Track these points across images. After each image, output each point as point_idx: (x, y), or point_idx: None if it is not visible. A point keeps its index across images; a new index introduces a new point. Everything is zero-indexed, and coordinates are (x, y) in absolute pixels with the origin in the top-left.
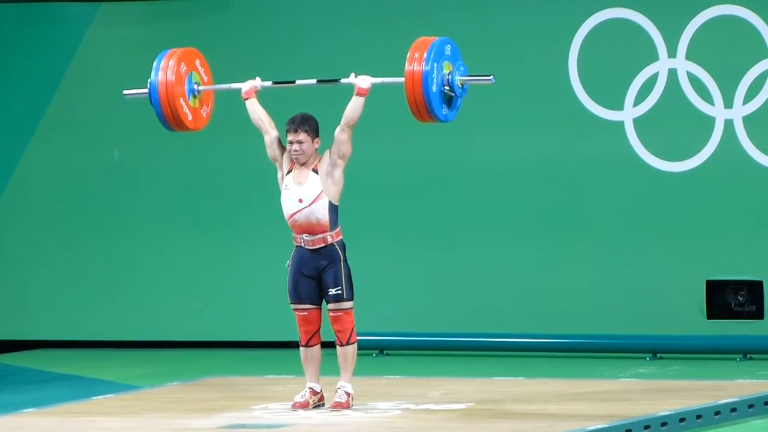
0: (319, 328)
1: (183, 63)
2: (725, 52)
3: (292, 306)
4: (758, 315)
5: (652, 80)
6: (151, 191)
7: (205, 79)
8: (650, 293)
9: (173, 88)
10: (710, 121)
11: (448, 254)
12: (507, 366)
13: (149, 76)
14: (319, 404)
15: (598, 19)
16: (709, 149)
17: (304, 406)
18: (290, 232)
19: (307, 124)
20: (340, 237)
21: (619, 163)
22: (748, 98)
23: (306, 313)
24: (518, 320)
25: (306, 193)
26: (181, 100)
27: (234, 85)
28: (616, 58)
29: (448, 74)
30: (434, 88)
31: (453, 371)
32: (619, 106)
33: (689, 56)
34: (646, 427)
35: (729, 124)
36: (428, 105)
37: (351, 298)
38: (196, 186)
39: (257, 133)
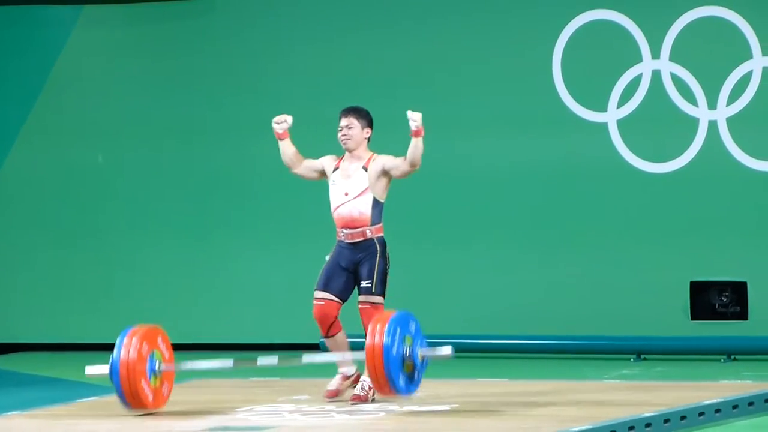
0: (335, 319)
1: (145, 342)
2: (709, 53)
3: (315, 293)
4: (742, 316)
5: (635, 82)
6: (135, 194)
7: (167, 355)
8: (635, 294)
9: (135, 367)
10: (694, 123)
11: (430, 256)
12: (491, 367)
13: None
14: (354, 386)
15: (582, 21)
16: (693, 150)
17: (334, 395)
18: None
19: (358, 111)
20: (381, 234)
21: (603, 165)
22: (731, 99)
23: (323, 303)
24: (502, 322)
25: (352, 187)
26: (143, 382)
27: (195, 364)
28: (600, 60)
29: (409, 348)
30: (395, 362)
31: (437, 373)
32: (603, 107)
33: (673, 57)
34: (631, 428)
35: (713, 125)
36: (389, 378)
37: (381, 294)
38: (180, 189)
39: (244, 137)
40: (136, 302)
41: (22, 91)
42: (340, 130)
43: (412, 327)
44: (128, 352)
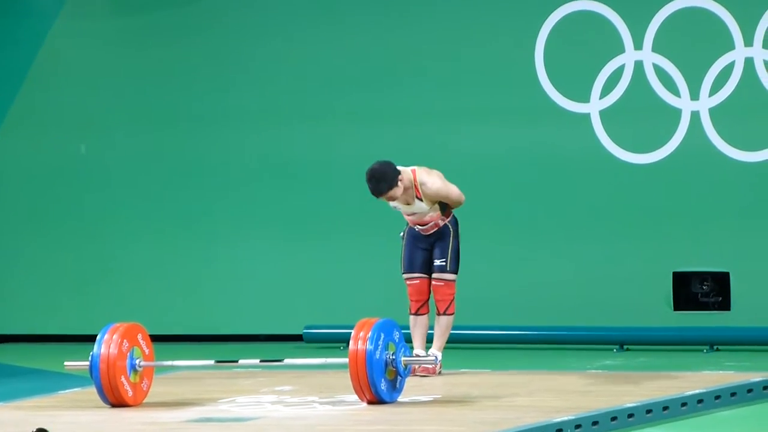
0: (428, 299)
1: (125, 340)
2: (691, 44)
3: (405, 276)
4: (725, 306)
5: (618, 72)
6: (118, 185)
7: (147, 351)
8: (617, 285)
9: (115, 363)
10: (676, 113)
11: None
12: (474, 358)
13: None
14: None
15: (565, 12)
16: (676, 141)
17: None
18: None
19: (383, 183)
20: (451, 216)
21: (585, 156)
22: (714, 90)
23: (417, 281)
24: (485, 312)
25: (417, 209)
26: (122, 378)
27: (176, 363)
28: (583, 51)
29: (392, 355)
30: (378, 367)
31: None
32: (585, 98)
33: (655, 48)
34: (613, 418)
35: (695, 115)
36: (372, 384)
37: (454, 272)
38: (164, 179)
39: (229, 127)
40: (120, 294)
41: (4, 80)
42: (390, 204)
43: (396, 335)
44: (108, 348)
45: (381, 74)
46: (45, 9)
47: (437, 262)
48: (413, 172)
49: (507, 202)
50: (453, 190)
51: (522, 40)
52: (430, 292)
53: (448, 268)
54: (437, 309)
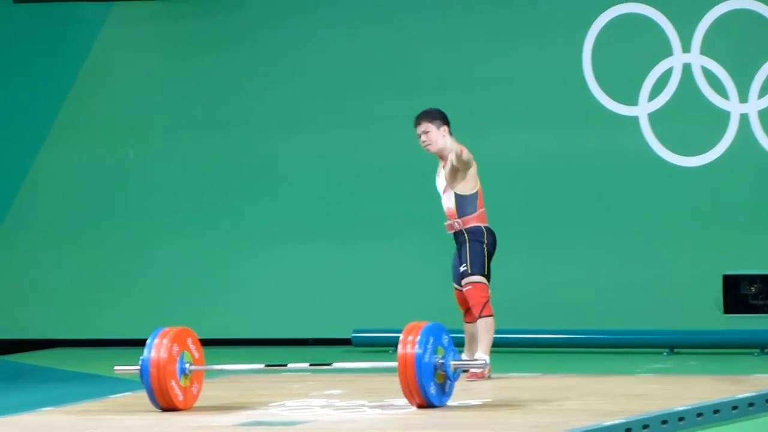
0: (468, 308)
1: (175, 344)
2: (739, 46)
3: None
4: None
5: (666, 75)
6: (165, 190)
7: (197, 355)
8: (667, 288)
9: (165, 367)
10: (725, 116)
11: None
12: (524, 362)
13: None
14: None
15: (612, 15)
16: (725, 144)
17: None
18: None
19: (427, 114)
20: (471, 224)
21: (634, 159)
22: (763, 92)
23: (456, 293)
24: (534, 316)
25: (440, 185)
26: (173, 382)
27: (226, 367)
28: (631, 54)
29: (441, 359)
30: (427, 371)
31: None
32: (633, 101)
33: (704, 51)
34: (664, 422)
35: (744, 118)
36: (421, 388)
37: (479, 273)
38: (209, 185)
39: (272, 134)
40: (167, 298)
41: (52, 87)
42: (419, 138)
43: (445, 339)
44: (159, 352)
45: (426, 79)
46: (92, 16)
47: (461, 269)
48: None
49: (555, 206)
50: (463, 152)
51: (570, 43)
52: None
53: (470, 272)
54: (473, 314)
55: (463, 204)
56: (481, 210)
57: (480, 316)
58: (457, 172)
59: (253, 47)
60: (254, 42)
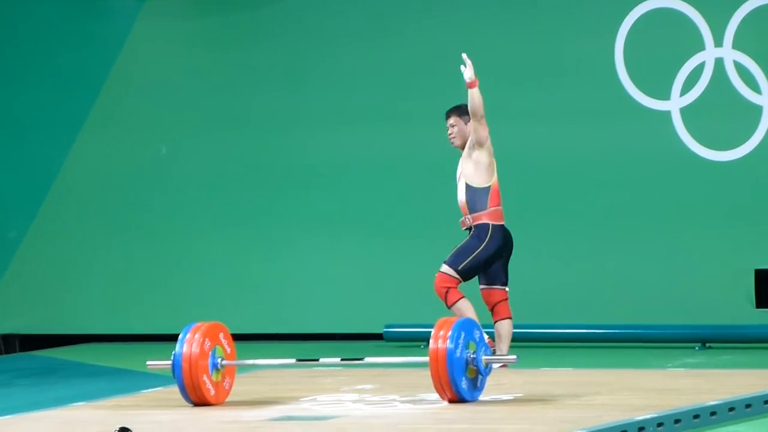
0: (493, 306)
1: (207, 339)
2: None
3: None
4: None
5: (698, 70)
6: (197, 185)
7: (228, 350)
8: (699, 283)
9: (197, 362)
10: (757, 110)
11: None
12: (555, 356)
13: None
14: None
15: (644, 9)
16: (757, 138)
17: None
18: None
19: (458, 108)
20: (481, 221)
21: (666, 153)
22: None
23: (482, 291)
24: (566, 311)
25: (458, 173)
26: (204, 377)
27: (257, 361)
28: (663, 48)
29: (473, 353)
30: (458, 366)
31: None
32: (665, 95)
33: (736, 45)
34: (695, 416)
35: None
36: (453, 383)
37: (449, 264)
38: (240, 180)
39: (306, 129)
40: (199, 293)
41: (85, 82)
42: (447, 131)
43: (476, 334)
44: (191, 347)
45: (456, 75)
46: (124, 12)
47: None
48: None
49: (586, 200)
50: (481, 123)
51: (602, 37)
52: (494, 301)
53: (447, 261)
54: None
55: (474, 198)
56: (493, 208)
57: (449, 306)
58: (473, 151)
59: (285, 42)
60: (286, 37)
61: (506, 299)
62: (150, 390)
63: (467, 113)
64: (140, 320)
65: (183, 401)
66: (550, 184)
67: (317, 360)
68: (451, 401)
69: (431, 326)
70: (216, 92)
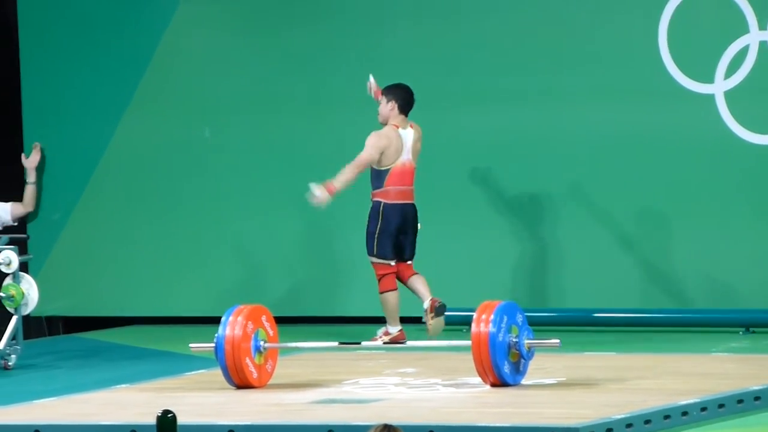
0: (404, 281)
1: (250, 321)
2: None
3: None
4: None
5: (742, 53)
6: (239, 168)
7: (271, 333)
8: (743, 267)
9: (240, 344)
10: None
11: (534, 229)
12: (597, 341)
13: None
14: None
15: None
16: None
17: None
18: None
19: (386, 88)
20: (374, 199)
21: (709, 136)
22: None
23: None
24: (610, 295)
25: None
26: (247, 359)
27: (299, 344)
28: (707, 31)
29: (515, 337)
30: (501, 349)
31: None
32: (709, 78)
33: None
34: (739, 401)
35: None
36: (495, 367)
37: (368, 253)
38: (285, 162)
39: (347, 112)
40: (242, 276)
41: (129, 65)
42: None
43: (519, 318)
44: (233, 330)
45: (500, 56)
46: None
47: None
48: (393, 126)
49: (630, 184)
50: (360, 155)
51: (646, 19)
52: (405, 277)
53: (367, 251)
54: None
55: (373, 178)
56: (390, 187)
57: (380, 293)
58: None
59: (330, 24)
60: (331, 19)
61: (410, 268)
62: (193, 372)
63: (390, 93)
64: (183, 303)
65: (226, 384)
66: (590, 165)
67: (359, 343)
68: (493, 385)
69: (473, 310)
70: (259, 75)
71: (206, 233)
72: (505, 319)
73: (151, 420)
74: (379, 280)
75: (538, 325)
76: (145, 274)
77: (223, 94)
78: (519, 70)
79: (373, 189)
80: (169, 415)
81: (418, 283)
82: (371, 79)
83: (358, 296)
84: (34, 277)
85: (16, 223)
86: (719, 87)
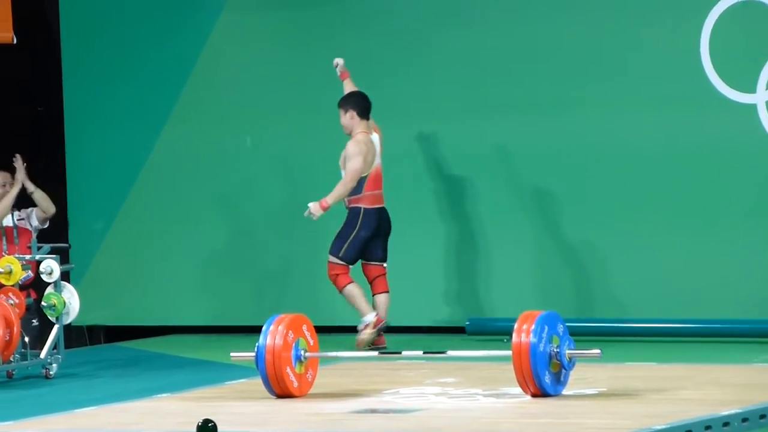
0: (371, 281)
1: (291, 331)
2: None
3: None
4: None
5: None
6: (280, 177)
7: (311, 342)
8: None
9: (280, 354)
10: None
11: (573, 237)
12: (638, 351)
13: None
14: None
15: (731, 1)
16: None
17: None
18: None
19: (341, 100)
20: (354, 205)
21: (751, 147)
22: None
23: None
24: (649, 305)
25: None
26: (288, 369)
27: (340, 354)
28: (748, 41)
29: (556, 348)
30: (542, 360)
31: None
32: (751, 88)
33: None
34: None
35: None
36: (536, 377)
37: (332, 253)
38: (323, 172)
39: (388, 121)
40: (283, 285)
41: (172, 75)
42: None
43: (560, 328)
44: (274, 339)
45: (542, 63)
46: (209, 5)
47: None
48: (363, 132)
49: (670, 193)
50: (351, 166)
51: (688, 28)
52: (372, 276)
53: (330, 250)
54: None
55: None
56: (369, 192)
57: (339, 292)
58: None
59: (369, 35)
60: (370, 29)
61: (383, 274)
62: (234, 382)
63: (346, 104)
64: (224, 312)
65: (266, 393)
66: (631, 174)
67: (400, 353)
68: (534, 395)
69: (514, 320)
70: (299, 84)
71: (247, 242)
72: (546, 329)
73: (192, 429)
74: (335, 280)
75: (578, 335)
76: (186, 283)
77: (264, 103)
78: (562, 80)
79: (350, 195)
80: (210, 425)
81: (382, 301)
82: (341, 61)
83: (398, 306)
84: (76, 286)
85: (45, 226)
86: (761, 97)
